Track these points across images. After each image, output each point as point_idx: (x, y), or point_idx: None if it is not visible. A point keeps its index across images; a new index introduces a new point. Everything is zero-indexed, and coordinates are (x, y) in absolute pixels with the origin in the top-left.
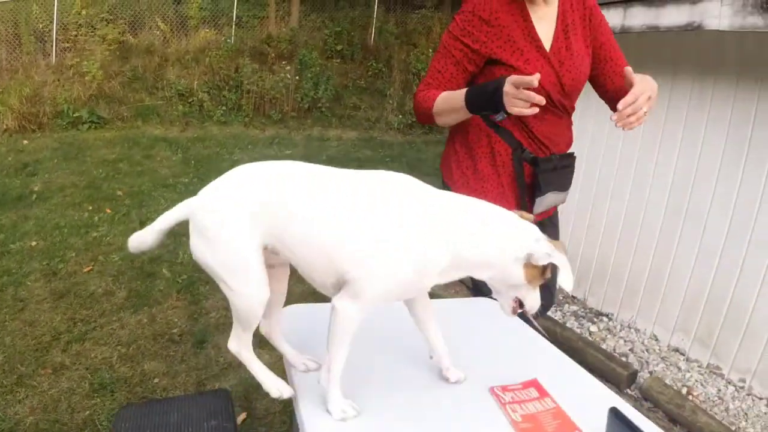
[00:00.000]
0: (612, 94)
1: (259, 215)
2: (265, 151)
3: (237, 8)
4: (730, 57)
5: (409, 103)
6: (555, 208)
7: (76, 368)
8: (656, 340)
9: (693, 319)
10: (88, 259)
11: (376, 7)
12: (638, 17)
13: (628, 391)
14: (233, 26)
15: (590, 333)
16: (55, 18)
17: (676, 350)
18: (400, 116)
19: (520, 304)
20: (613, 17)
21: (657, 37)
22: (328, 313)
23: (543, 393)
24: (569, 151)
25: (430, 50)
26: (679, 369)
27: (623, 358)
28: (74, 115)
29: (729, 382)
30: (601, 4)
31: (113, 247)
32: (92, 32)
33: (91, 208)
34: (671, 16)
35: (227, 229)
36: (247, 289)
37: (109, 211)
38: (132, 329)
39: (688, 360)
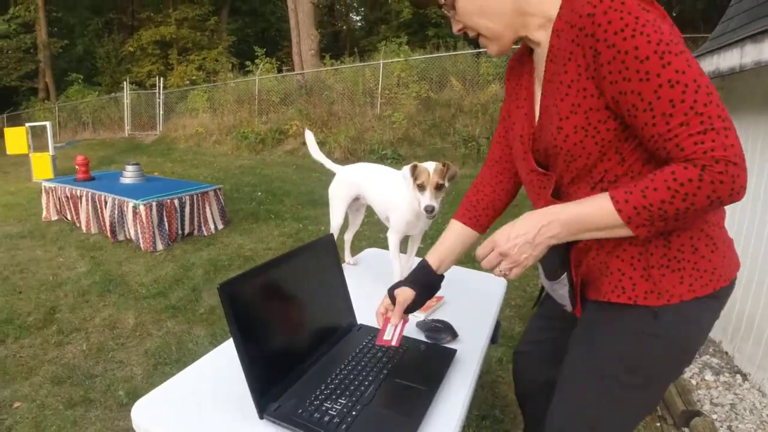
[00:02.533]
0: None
1: (351, 185)
2: None
3: None
4: None
5: None
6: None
7: None
8: None
9: None
10: None
11: None
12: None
13: (686, 430)
14: None
15: (704, 380)
16: (380, 79)
17: None
18: None
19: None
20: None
21: None
22: (383, 255)
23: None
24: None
25: None
26: None
27: (716, 408)
28: (382, 152)
29: None
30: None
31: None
32: (405, 90)
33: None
34: None
35: (335, 188)
36: (333, 216)
37: None
38: None
39: None
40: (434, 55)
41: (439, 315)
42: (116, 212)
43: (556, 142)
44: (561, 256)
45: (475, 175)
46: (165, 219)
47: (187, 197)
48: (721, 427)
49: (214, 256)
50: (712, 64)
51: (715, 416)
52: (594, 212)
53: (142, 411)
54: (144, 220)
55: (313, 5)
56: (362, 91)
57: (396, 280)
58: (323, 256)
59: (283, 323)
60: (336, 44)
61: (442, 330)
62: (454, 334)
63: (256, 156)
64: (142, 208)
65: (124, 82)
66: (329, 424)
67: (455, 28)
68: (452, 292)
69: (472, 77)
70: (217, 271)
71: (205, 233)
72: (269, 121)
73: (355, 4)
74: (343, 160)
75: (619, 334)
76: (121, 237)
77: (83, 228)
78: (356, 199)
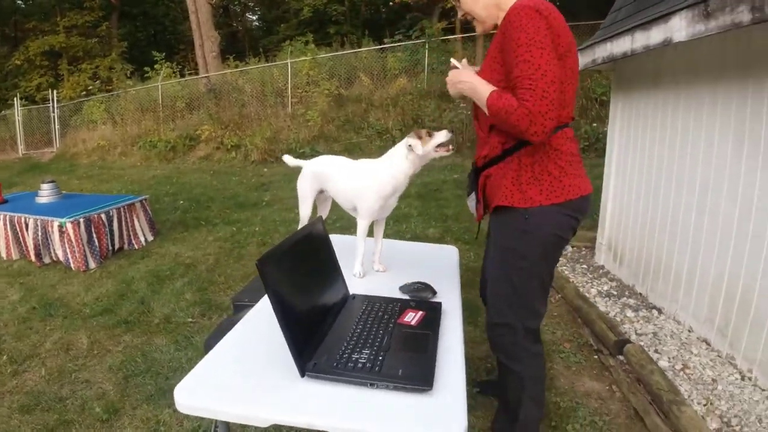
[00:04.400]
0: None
1: (315, 176)
2: (437, 176)
3: (428, 57)
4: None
5: None
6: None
7: None
8: (690, 331)
9: (715, 310)
10: None
11: None
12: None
13: (620, 357)
14: (425, 73)
15: (626, 317)
16: (289, 78)
17: (705, 341)
18: None
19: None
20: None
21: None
22: (349, 240)
23: None
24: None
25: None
26: (692, 353)
27: (641, 337)
28: (300, 151)
29: (740, 372)
30: (618, 33)
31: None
32: (316, 88)
33: (296, 211)
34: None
35: (301, 181)
36: (302, 208)
37: None
38: None
39: (709, 350)
40: (340, 53)
41: (415, 279)
42: (40, 234)
43: None
44: (472, 180)
45: None
46: (94, 235)
47: (114, 211)
48: (649, 350)
49: (153, 268)
50: (606, 50)
51: (642, 344)
52: (483, 90)
53: (185, 392)
54: (73, 239)
55: (211, 6)
56: (272, 92)
57: (359, 262)
58: (320, 238)
59: (303, 295)
60: (234, 45)
61: (423, 289)
62: (433, 291)
63: (168, 165)
64: (69, 226)
65: (14, 98)
66: (363, 368)
67: (459, 14)
68: (420, 261)
69: (379, 72)
70: (161, 282)
71: (136, 246)
72: (177, 127)
73: (250, 4)
74: (261, 162)
75: (506, 231)
76: (47, 260)
77: (3, 254)
78: (321, 191)
